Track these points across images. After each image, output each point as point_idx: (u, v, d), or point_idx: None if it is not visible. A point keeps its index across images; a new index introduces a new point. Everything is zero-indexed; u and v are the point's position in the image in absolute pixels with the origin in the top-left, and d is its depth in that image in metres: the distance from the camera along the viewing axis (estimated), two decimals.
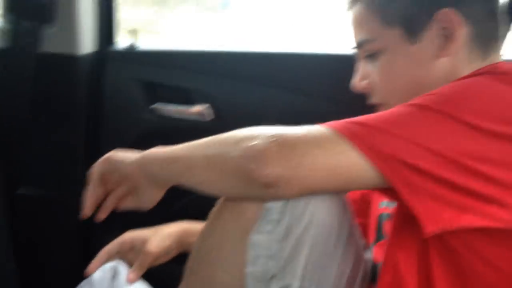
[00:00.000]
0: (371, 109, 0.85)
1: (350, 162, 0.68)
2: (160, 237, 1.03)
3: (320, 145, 0.69)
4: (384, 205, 0.92)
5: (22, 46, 1.22)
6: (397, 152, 0.67)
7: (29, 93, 1.27)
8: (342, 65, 1.21)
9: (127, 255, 1.02)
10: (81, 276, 1.01)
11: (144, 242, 1.02)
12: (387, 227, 0.88)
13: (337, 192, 0.77)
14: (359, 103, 0.89)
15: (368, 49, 0.85)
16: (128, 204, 0.89)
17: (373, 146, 0.67)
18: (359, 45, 0.87)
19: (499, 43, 0.83)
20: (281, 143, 0.68)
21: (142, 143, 0.88)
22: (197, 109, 1.29)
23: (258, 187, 0.70)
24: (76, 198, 1.25)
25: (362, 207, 0.99)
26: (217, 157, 0.73)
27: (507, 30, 0.94)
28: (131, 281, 0.97)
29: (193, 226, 1.07)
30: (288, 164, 0.68)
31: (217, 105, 1.29)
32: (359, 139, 0.68)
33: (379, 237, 0.90)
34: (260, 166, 0.68)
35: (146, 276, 1.04)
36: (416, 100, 0.71)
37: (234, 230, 0.78)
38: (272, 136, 0.69)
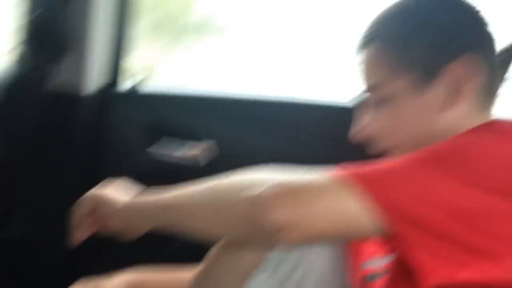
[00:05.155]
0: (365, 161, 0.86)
1: (352, 211, 0.68)
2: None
3: (323, 193, 0.69)
4: (370, 265, 0.90)
5: (30, 82, 1.25)
6: (400, 204, 0.67)
7: (30, 130, 1.29)
8: (336, 116, 1.25)
9: None
10: None
11: None
12: (376, 286, 0.86)
13: (339, 239, 0.77)
14: (354, 156, 0.90)
15: (376, 95, 0.84)
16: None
17: (376, 197, 0.68)
18: (368, 90, 0.85)
19: (495, 96, 0.84)
20: (286, 191, 0.69)
21: (138, 183, 0.89)
22: (192, 153, 1.32)
23: (263, 232, 0.70)
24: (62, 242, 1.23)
25: None
26: (219, 204, 0.74)
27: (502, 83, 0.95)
28: None
29: (148, 277, 1.05)
30: (293, 212, 0.68)
31: (213, 146, 1.31)
32: (362, 188, 0.68)
33: None
34: (266, 213, 0.68)
35: None
36: (421, 155, 0.72)
37: (232, 275, 0.79)
38: (278, 184, 0.69)
